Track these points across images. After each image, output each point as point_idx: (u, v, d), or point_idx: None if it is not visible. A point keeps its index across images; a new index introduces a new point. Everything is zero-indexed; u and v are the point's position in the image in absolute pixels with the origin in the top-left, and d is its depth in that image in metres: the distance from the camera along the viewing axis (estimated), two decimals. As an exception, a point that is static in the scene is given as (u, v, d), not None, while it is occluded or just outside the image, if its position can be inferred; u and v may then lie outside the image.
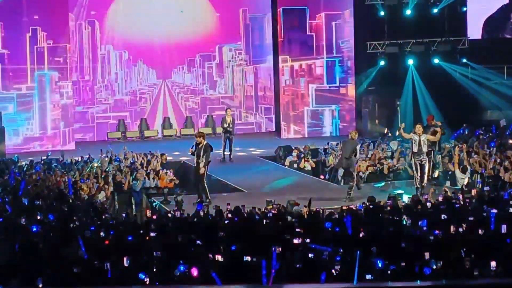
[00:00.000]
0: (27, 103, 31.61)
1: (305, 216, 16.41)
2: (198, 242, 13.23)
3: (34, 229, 14.66)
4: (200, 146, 21.07)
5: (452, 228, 14.03)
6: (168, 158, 25.47)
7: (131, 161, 24.42)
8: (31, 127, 31.85)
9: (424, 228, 14.28)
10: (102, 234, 14.11)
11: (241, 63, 35.55)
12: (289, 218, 15.96)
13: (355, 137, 21.55)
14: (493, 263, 11.36)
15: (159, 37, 34.85)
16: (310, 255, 12.20)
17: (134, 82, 35.32)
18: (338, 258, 12.00)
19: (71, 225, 15.29)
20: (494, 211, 15.12)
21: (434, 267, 11.52)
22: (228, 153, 26.65)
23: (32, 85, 31.65)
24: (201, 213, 17.00)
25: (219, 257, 12.16)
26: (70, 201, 18.97)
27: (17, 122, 31.50)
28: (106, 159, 24.76)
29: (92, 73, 34.34)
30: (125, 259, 11.77)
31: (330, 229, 14.37)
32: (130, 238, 13.65)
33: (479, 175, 21.78)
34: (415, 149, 20.72)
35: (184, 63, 35.58)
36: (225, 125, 26.72)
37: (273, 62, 34.80)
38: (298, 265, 11.68)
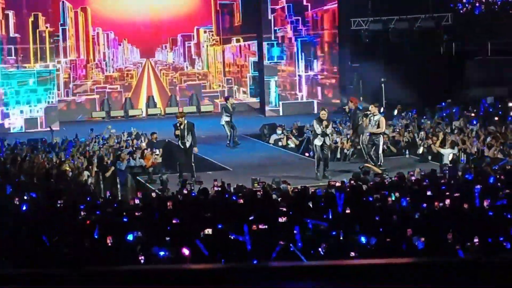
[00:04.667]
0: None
1: (291, 194, 16.47)
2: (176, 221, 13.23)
3: (24, 207, 14.69)
4: (182, 126, 21.04)
5: (436, 204, 14.09)
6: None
7: (116, 141, 24.41)
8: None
9: (406, 205, 14.34)
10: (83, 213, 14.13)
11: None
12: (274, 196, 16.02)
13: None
14: (476, 239, 11.46)
15: (143, 15, 34.84)
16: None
17: (120, 61, 35.40)
18: (333, 233, 12.09)
19: (58, 204, 15.29)
20: (478, 186, 15.20)
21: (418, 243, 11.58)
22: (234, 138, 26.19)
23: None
24: (185, 191, 17.05)
25: (209, 231, 12.20)
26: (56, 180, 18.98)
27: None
28: (92, 139, 24.77)
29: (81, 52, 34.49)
30: (108, 238, 11.80)
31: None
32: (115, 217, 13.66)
33: (463, 153, 21.87)
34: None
35: (167, 42, 35.67)
36: (229, 114, 26.07)
37: (257, 42, 34.94)
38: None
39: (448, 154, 21.44)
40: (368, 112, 21.72)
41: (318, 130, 20.68)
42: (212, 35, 36.31)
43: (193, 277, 2.91)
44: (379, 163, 20.93)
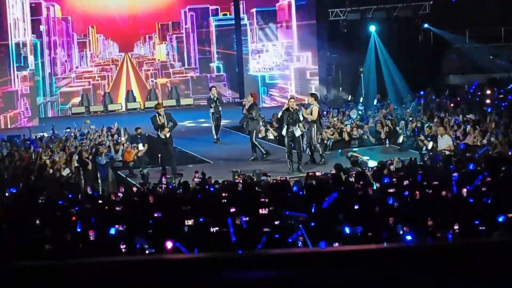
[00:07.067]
0: None
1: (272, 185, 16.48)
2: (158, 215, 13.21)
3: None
4: (162, 115, 21.10)
5: (417, 193, 14.12)
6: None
7: (97, 136, 24.32)
8: None
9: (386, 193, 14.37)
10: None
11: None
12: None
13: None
14: (456, 226, 11.50)
15: (120, 8, 34.51)
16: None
17: (97, 56, 35.14)
18: (312, 224, 12.06)
19: (40, 200, 15.24)
20: (456, 174, 15.26)
21: (401, 232, 11.59)
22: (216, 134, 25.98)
23: None
24: (163, 185, 17.04)
25: (189, 222, 12.18)
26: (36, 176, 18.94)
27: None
28: (72, 134, 24.68)
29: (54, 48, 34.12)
30: (90, 233, 11.77)
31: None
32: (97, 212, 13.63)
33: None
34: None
35: (146, 34, 35.39)
36: (213, 105, 25.75)
37: (235, 31, 34.92)
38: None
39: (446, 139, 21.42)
40: (305, 103, 22.03)
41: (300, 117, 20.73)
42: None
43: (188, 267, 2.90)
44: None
